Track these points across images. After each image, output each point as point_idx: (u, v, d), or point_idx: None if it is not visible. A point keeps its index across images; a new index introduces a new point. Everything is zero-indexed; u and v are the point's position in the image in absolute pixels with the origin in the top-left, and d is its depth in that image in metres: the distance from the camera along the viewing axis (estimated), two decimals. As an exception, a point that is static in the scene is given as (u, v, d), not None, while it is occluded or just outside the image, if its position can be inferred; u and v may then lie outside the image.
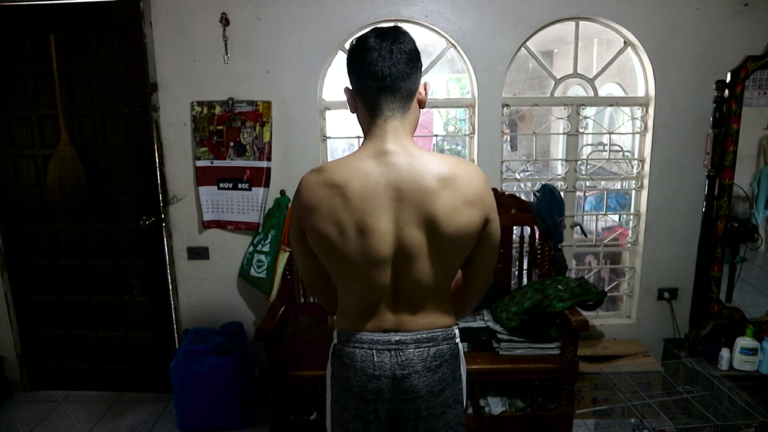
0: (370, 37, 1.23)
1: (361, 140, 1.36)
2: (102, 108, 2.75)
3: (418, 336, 1.30)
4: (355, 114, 1.33)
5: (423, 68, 1.34)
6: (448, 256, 1.27)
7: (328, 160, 2.27)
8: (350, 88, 1.30)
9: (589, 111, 3.02)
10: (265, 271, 2.72)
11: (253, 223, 2.79)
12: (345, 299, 1.35)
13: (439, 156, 1.28)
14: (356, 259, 1.24)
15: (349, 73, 1.28)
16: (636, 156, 2.94)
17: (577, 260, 3.46)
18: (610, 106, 2.96)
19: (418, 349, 1.30)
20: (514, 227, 2.84)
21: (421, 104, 1.31)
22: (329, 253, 1.26)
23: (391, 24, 1.32)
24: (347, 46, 2.72)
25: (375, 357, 1.29)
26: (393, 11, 2.63)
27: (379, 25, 1.31)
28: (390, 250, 1.23)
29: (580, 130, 2.90)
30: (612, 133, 3.04)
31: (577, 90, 4.45)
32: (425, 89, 1.31)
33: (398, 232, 1.22)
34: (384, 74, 1.21)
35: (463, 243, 1.27)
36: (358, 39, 1.26)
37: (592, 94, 2.89)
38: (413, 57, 1.25)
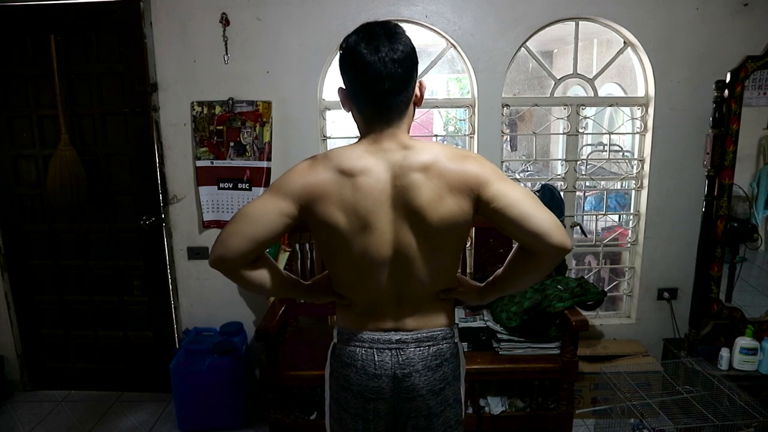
0: (361, 44, 1.15)
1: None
2: (102, 108, 2.75)
3: (418, 335, 1.30)
4: (350, 113, 1.29)
5: (423, 68, 1.32)
6: (441, 249, 1.25)
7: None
8: (344, 88, 1.24)
9: (589, 111, 3.02)
10: (265, 271, 2.72)
11: (253, 223, 2.79)
12: (347, 297, 1.35)
13: (432, 144, 1.25)
14: (359, 256, 1.23)
15: (342, 76, 1.23)
16: (636, 156, 2.94)
17: (577, 260, 3.46)
18: (610, 106, 2.96)
19: (418, 349, 1.30)
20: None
21: (417, 104, 1.28)
22: (337, 242, 1.22)
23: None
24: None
25: (376, 356, 1.29)
26: (393, 11, 2.62)
27: (369, 22, 1.21)
28: (389, 250, 1.23)
29: (580, 130, 2.90)
30: (612, 133, 3.04)
31: (577, 90, 4.46)
32: (421, 89, 1.25)
33: (396, 232, 1.22)
34: (378, 93, 1.17)
35: (453, 233, 1.23)
36: (349, 46, 1.18)
37: (591, 94, 2.89)
38: (408, 66, 1.17)
